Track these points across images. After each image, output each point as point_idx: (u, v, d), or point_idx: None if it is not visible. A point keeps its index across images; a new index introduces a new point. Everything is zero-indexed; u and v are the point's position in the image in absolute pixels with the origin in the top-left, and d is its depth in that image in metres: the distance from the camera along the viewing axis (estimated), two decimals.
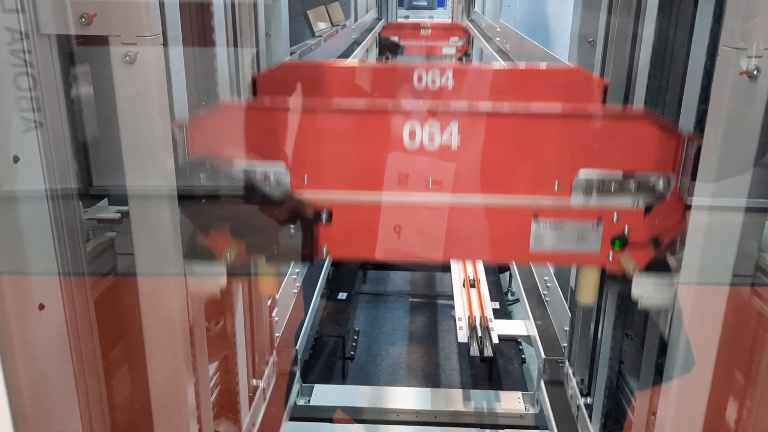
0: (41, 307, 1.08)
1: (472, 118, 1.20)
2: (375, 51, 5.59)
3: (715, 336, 1.19)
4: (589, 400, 1.98)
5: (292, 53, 2.48)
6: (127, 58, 1.07)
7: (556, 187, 1.23)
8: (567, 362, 2.19)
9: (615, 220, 1.26)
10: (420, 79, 1.61)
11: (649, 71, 1.58)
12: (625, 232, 1.27)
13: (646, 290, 1.29)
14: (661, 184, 1.23)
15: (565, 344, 2.24)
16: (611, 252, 1.27)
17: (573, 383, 2.10)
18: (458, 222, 1.27)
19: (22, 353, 1.05)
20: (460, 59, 6.02)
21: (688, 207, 1.20)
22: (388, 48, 5.72)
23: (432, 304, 4.20)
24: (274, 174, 1.25)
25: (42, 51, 1.04)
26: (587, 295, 1.43)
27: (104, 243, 1.24)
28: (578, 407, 2.02)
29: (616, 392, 1.82)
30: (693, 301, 1.20)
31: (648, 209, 1.25)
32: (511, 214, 1.26)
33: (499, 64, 2.64)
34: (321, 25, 3.23)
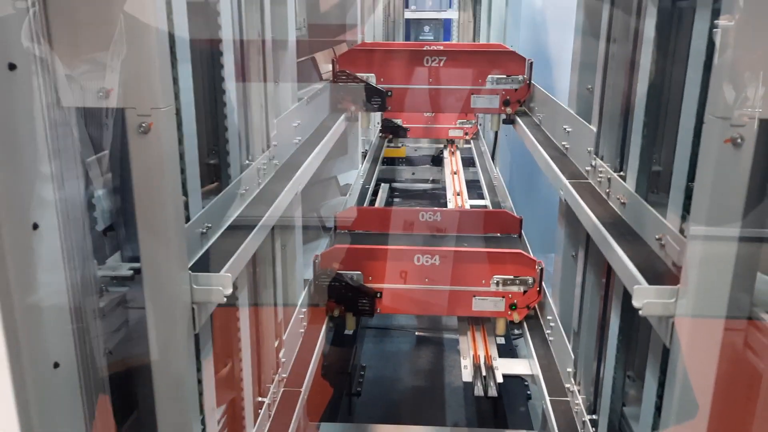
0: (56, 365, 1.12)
1: (445, 254, 2.71)
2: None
3: (712, 369, 1.21)
4: None
5: (299, 99, 2.54)
6: (142, 129, 1.13)
7: (483, 282, 2.70)
8: (571, 403, 2.21)
9: (510, 297, 2.71)
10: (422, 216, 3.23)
11: (643, 124, 1.64)
12: (515, 302, 2.71)
13: (646, 300, 1.30)
14: (530, 281, 2.69)
15: (568, 385, 2.26)
16: (509, 311, 2.72)
17: (577, 424, 2.12)
18: (438, 295, 2.74)
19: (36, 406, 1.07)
20: (468, 143, 5.63)
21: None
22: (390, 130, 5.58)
23: (438, 339, 4.21)
24: (355, 276, 2.75)
25: (61, 120, 1.09)
26: (501, 329, 2.81)
27: (117, 298, 1.29)
28: None
29: None
30: (689, 334, 1.23)
31: (524, 292, 2.70)
32: (464, 293, 2.73)
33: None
34: (328, 68, 3.29)
